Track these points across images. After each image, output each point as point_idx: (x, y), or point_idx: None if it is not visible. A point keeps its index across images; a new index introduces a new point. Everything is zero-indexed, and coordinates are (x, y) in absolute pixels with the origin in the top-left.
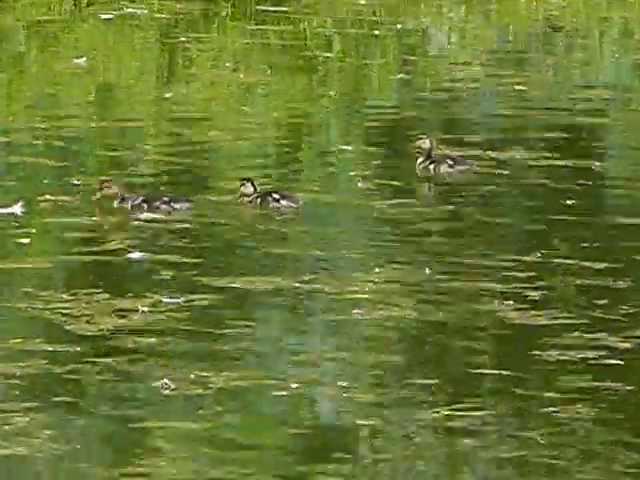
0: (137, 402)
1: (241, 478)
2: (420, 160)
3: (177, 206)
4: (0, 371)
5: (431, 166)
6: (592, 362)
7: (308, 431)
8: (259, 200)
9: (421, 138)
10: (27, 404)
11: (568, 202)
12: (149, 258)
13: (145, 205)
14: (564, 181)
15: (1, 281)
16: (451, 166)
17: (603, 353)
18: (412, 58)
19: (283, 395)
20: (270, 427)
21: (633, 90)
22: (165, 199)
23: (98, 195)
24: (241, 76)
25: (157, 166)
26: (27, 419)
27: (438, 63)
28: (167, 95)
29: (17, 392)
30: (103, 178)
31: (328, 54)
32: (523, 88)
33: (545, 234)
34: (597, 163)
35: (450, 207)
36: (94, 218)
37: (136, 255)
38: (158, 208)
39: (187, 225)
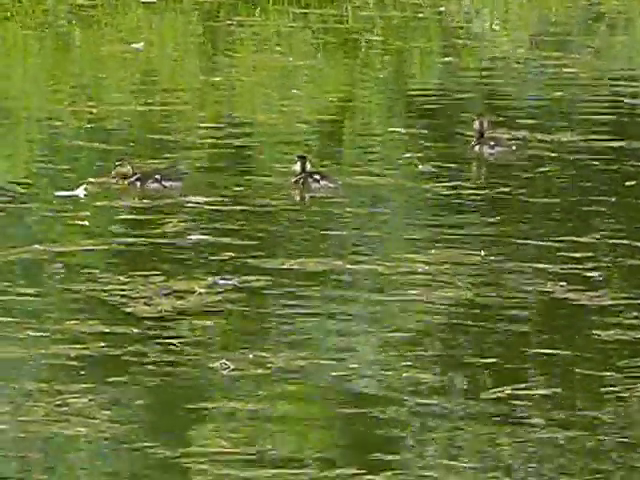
0: (196, 382)
1: (303, 458)
2: (473, 142)
3: (167, 184)
4: (57, 352)
5: (477, 147)
6: None
7: (368, 411)
8: (302, 181)
9: (474, 120)
10: (84, 385)
11: (627, 183)
12: (206, 240)
13: (138, 183)
14: (615, 162)
15: (59, 263)
16: (492, 147)
17: None
18: (456, 40)
19: (342, 375)
20: (330, 407)
21: None
22: (157, 177)
23: (113, 173)
24: (290, 59)
25: (208, 149)
26: (85, 400)
27: (482, 45)
28: (216, 79)
29: (74, 373)
30: (120, 157)
31: (372, 37)
32: (567, 70)
33: (600, 215)
34: None
35: (505, 189)
36: (145, 200)
37: (195, 237)
38: (149, 187)
39: (240, 207)
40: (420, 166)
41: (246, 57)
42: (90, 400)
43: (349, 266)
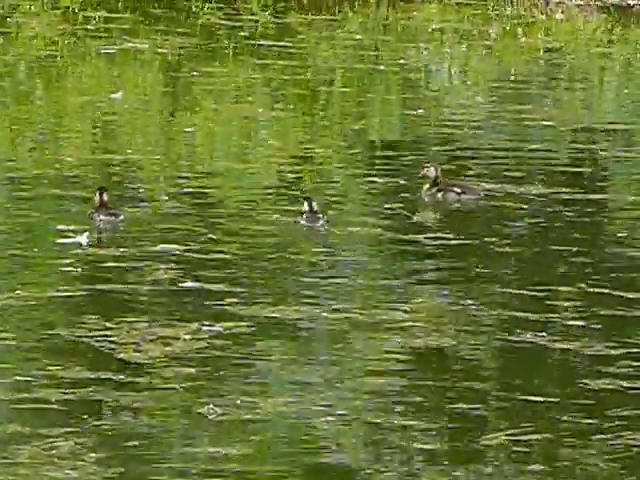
0: (184, 427)
1: None
2: (426, 187)
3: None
4: (42, 397)
5: (439, 194)
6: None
7: (357, 457)
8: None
9: (426, 167)
10: (70, 429)
11: (619, 234)
12: (195, 287)
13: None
14: (589, 213)
15: (47, 309)
16: (459, 194)
17: None
18: (415, 94)
19: (330, 421)
20: (318, 452)
21: (636, 123)
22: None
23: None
24: (260, 110)
25: (175, 197)
26: (71, 443)
27: (441, 98)
28: (180, 128)
29: (59, 418)
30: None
31: (332, 89)
32: (527, 123)
33: (580, 265)
34: (631, 196)
35: (483, 239)
36: (128, 248)
37: (188, 284)
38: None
39: (228, 256)
40: (416, 217)
41: (208, 107)
42: (76, 444)
43: (334, 314)
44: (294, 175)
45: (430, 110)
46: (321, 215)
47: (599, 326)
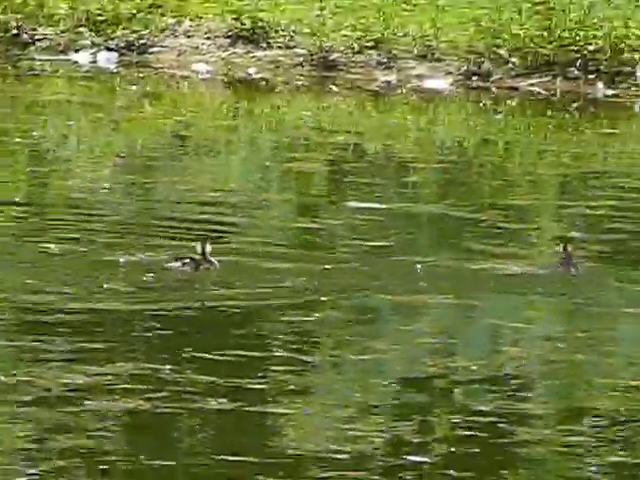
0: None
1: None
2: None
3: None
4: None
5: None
6: None
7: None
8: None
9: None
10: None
11: None
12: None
13: None
14: None
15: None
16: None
17: None
18: (44, 166)
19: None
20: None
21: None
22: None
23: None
24: None
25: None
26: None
27: (69, 171)
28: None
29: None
30: None
31: None
32: (155, 192)
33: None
34: None
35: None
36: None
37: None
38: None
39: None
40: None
41: None
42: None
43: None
44: None
45: (56, 182)
46: None
47: None
